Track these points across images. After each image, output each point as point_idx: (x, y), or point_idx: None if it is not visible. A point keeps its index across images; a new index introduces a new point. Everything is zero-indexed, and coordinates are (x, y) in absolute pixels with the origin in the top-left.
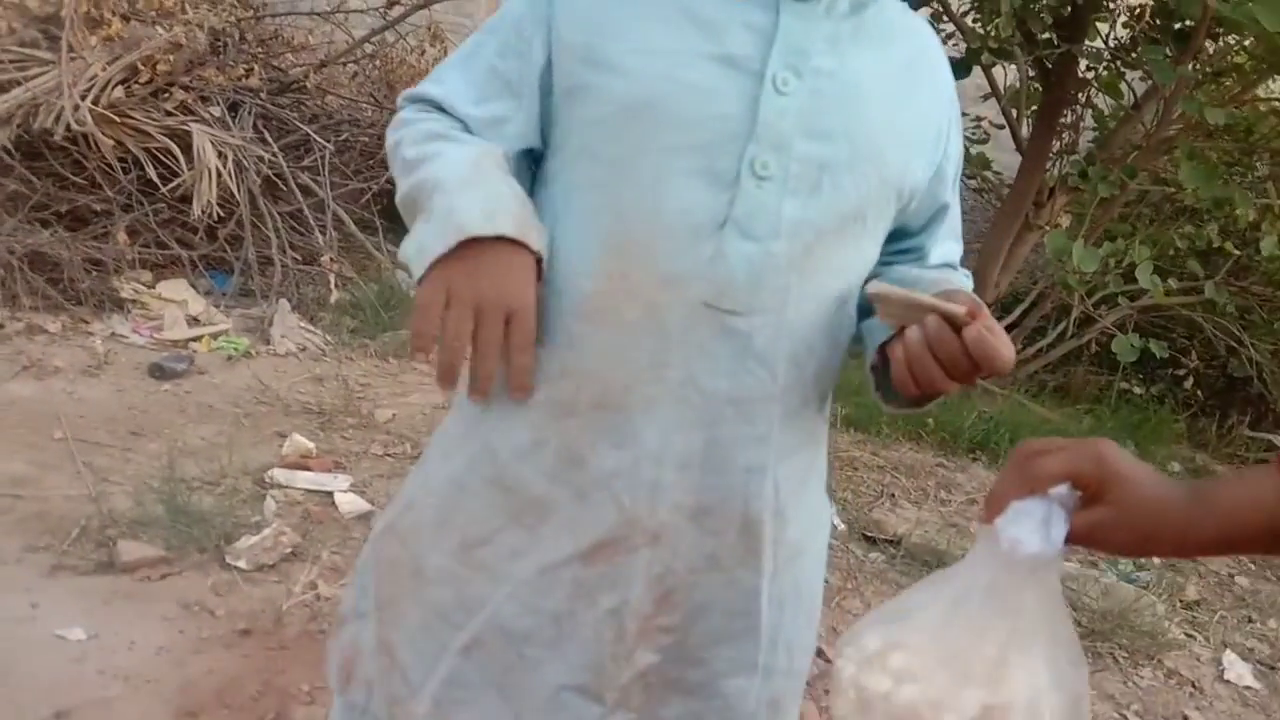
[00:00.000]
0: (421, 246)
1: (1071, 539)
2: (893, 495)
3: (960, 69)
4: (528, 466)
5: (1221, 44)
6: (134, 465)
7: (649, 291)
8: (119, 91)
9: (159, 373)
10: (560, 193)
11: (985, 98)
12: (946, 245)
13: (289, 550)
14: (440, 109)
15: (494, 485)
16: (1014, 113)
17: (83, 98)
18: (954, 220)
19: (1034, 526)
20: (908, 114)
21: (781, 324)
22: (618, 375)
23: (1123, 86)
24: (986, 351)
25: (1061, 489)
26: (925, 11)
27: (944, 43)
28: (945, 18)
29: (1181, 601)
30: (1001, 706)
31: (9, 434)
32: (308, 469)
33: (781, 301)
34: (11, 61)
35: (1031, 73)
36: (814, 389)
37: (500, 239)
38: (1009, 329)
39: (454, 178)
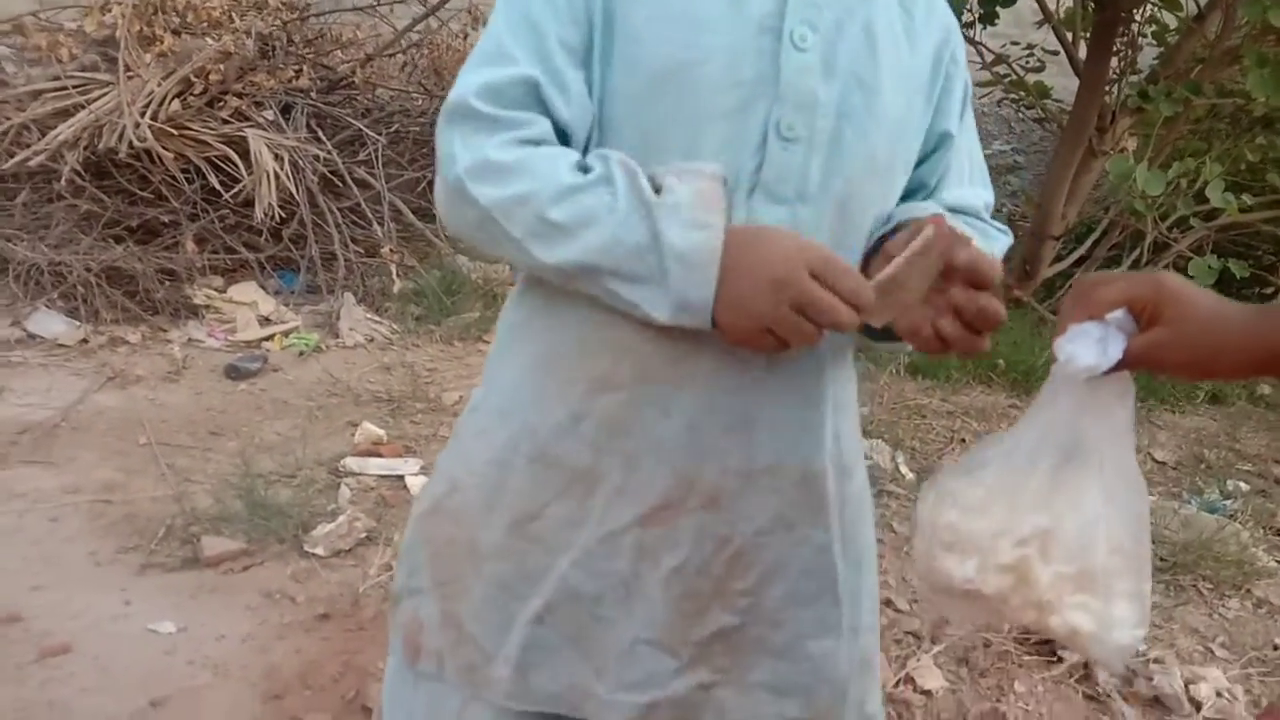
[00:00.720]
0: (684, 303)
1: (1129, 361)
2: (963, 440)
3: None
4: (570, 441)
5: None
6: (214, 464)
7: None
8: (176, 104)
9: (234, 373)
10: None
11: (1039, 24)
12: (959, 188)
13: (364, 535)
14: (532, 92)
15: (537, 462)
16: (1069, 36)
17: (142, 115)
18: (963, 155)
19: (1090, 344)
20: (911, 52)
21: None
22: (660, 349)
23: None
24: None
25: (1119, 313)
26: None
27: None
28: None
29: (1272, 528)
30: (1051, 530)
31: (98, 442)
32: (379, 455)
33: None
34: (75, 87)
35: None
36: (850, 341)
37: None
38: (1081, 261)
39: (646, 233)
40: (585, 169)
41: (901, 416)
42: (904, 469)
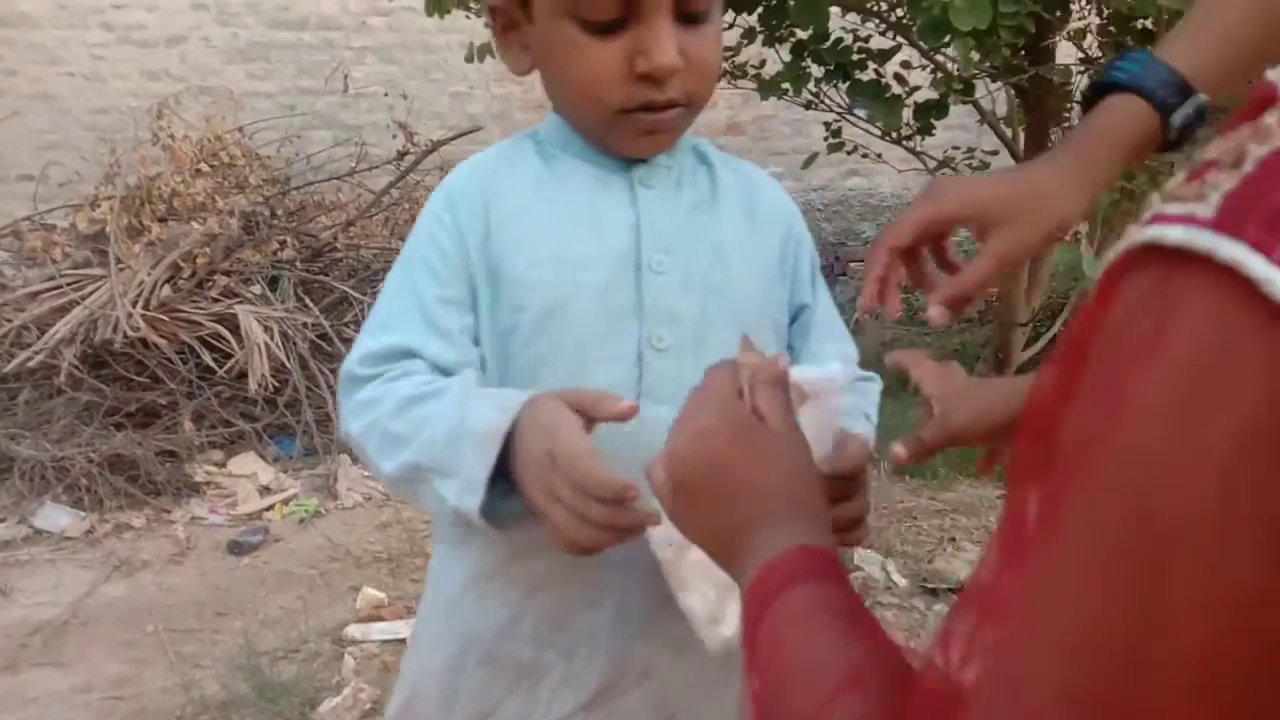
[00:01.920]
0: (470, 482)
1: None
2: (953, 539)
3: (940, 109)
4: (513, 641)
5: None
6: (220, 646)
7: None
8: (166, 290)
9: (237, 549)
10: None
11: (980, 122)
12: (823, 347)
13: (369, 706)
14: (406, 356)
15: (486, 664)
16: (1009, 133)
17: (134, 304)
18: (820, 317)
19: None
20: (758, 249)
21: None
22: None
23: None
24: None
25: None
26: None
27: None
28: (923, 59)
29: None
30: None
31: (107, 636)
32: (381, 619)
33: None
34: (70, 284)
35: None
36: None
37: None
38: (1051, 343)
39: (456, 419)
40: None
41: (890, 522)
42: (896, 577)
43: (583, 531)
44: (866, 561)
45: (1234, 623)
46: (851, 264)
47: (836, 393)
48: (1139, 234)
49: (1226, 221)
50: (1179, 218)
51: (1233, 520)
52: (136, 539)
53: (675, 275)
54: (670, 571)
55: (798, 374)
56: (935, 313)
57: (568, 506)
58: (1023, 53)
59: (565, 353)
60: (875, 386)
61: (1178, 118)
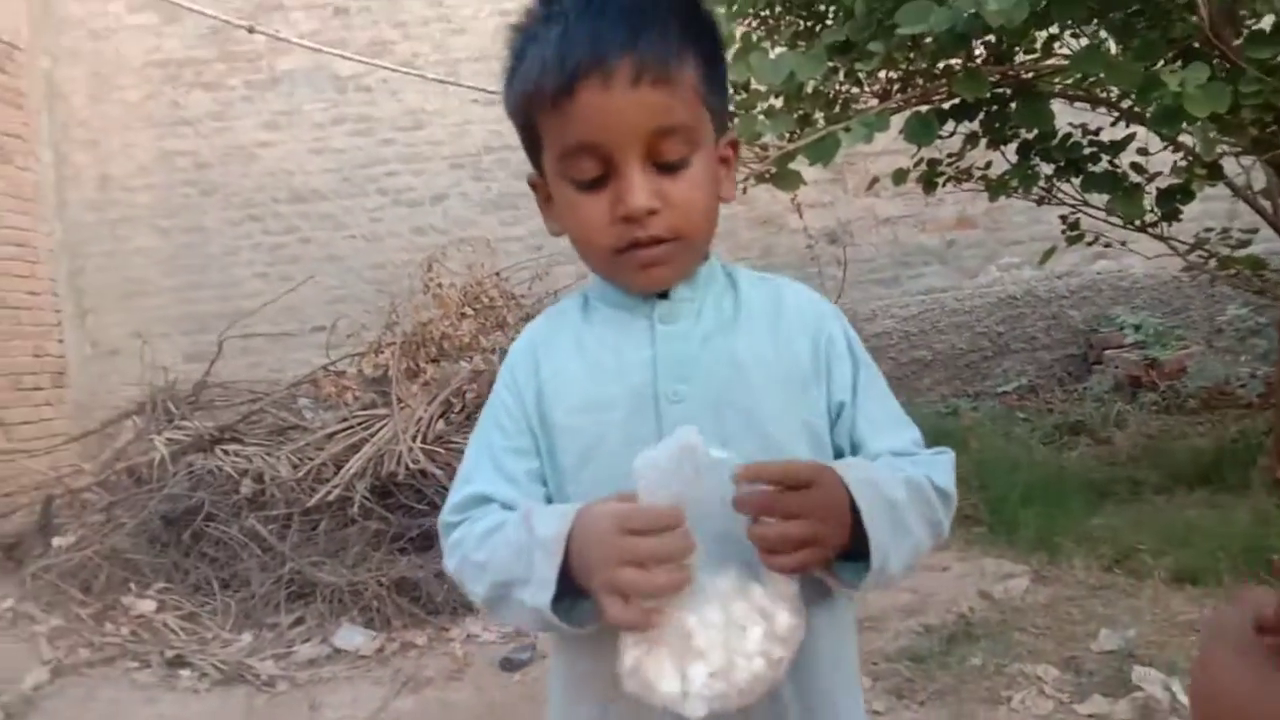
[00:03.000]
0: (542, 581)
1: None
2: None
3: (1185, 194)
4: None
5: None
6: None
7: None
8: (440, 424)
9: (509, 665)
10: None
11: (1234, 199)
12: (879, 440)
13: None
14: (484, 501)
15: None
16: (1268, 208)
17: (413, 439)
18: (871, 413)
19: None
20: (782, 358)
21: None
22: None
23: None
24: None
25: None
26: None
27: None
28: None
29: None
30: None
31: None
32: None
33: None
34: (359, 424)
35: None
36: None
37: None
38: None
39: (524, 534)
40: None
41: (1171, 636)
42: (1182, 697)
43: (638, 580)
44: (1146, 681)
45: None
46: (1106, 351)
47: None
48: None
49: None
50: None
51: None
52: (420, 656)
53: (693, 402)
54: (642, 669)
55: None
56: None
57: (618, 556)
58: (1275, 127)
59: (601, 489)
60: (946, 457)
61: None
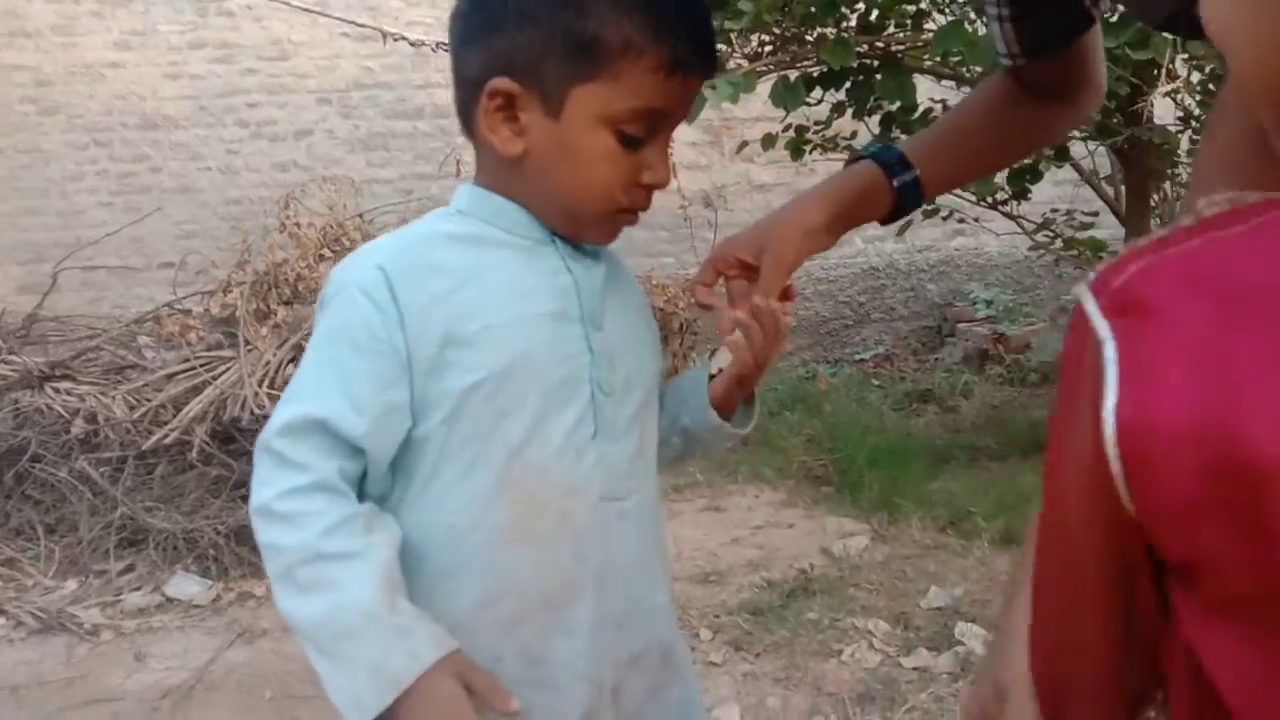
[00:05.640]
0: (357, 702)
1: None
2: None
3: (1034, 174)
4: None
5: None
6: (333, 714)
7: (557, 504)
8: (290, 369)
9: None
10: (437, 447)
11: (1077, 185)
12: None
13: None
14: (321, 428)
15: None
16: (1110, 192)
17: (260, 384)
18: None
19: None
20: (646, 317)
21: (645, 493)
22: (550, 579)
23: None
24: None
25: None
26: None
27: None
28: None
29: None
30: None
31: (229, 700)
32: None
33: (644, 478)
34: (202, 365)
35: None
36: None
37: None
38: None
39: (380, 609)
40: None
41: (994, 595)
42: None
43: None
44: (968, 636)
45: None
46: (959, 324)
47: None
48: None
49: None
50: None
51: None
52: (258, 607)
53: (611, 330)
54: None
55: None
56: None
57: None
58: (1118, 115)
59: (529, 402)
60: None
61: (897, 181)
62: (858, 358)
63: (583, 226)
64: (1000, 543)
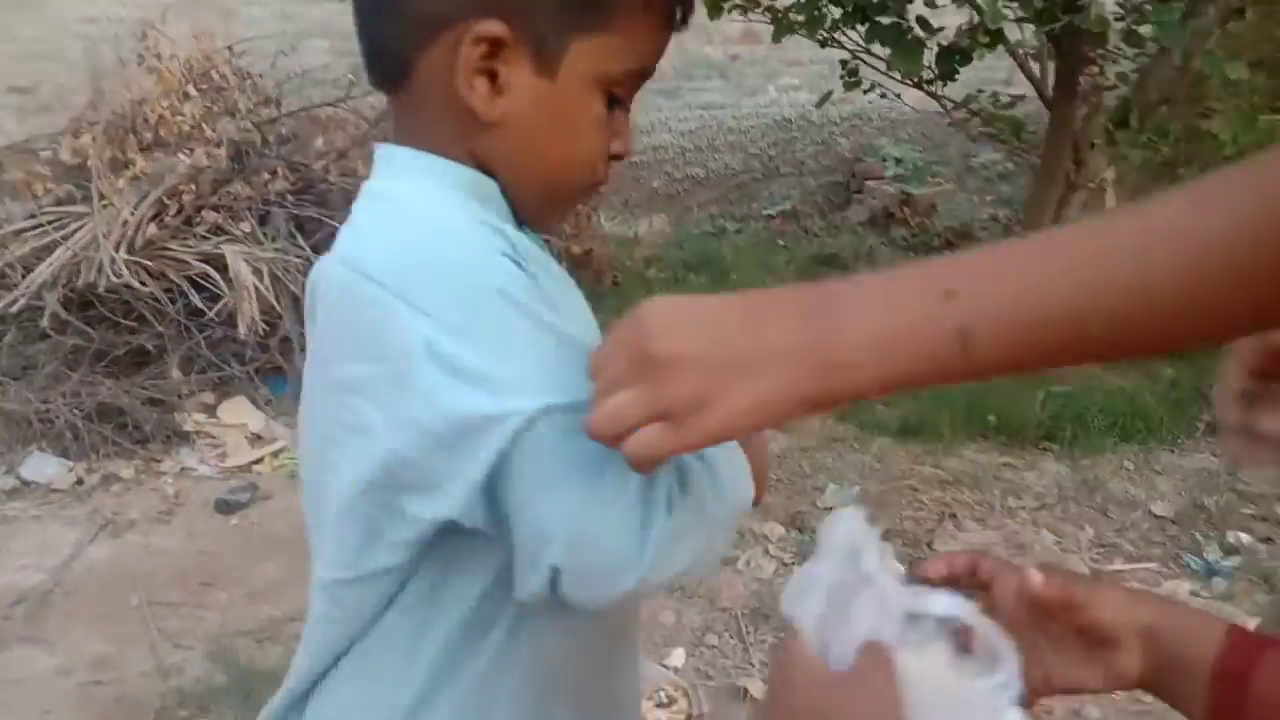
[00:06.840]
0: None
1: None
2: (954, 516)
3: (964, 58)
4: None
5: None
6: (205, 624)
7: None
8: (152, 228)
9: (225, 507)
10: None
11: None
12: None
13: None
14: None
15: None
16: (1037, 70)
17: (118, 246)
18: None
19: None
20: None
21: None
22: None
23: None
24: None
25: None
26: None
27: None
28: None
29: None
30: None
31: (90, 607)
32: None
33: None
34: (50, 222)
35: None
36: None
37: None
38: None
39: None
40: None
41: (891, 495)
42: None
43: None
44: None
45: None
46: (868, 182)
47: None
48: None
49: None
50: None
51: None
52: (125, 492)
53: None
54: None
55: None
56: None
57: None
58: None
59: None
60: None
61: None
62: (766, 213)
63: (556, 209)
64: (900, 434)
